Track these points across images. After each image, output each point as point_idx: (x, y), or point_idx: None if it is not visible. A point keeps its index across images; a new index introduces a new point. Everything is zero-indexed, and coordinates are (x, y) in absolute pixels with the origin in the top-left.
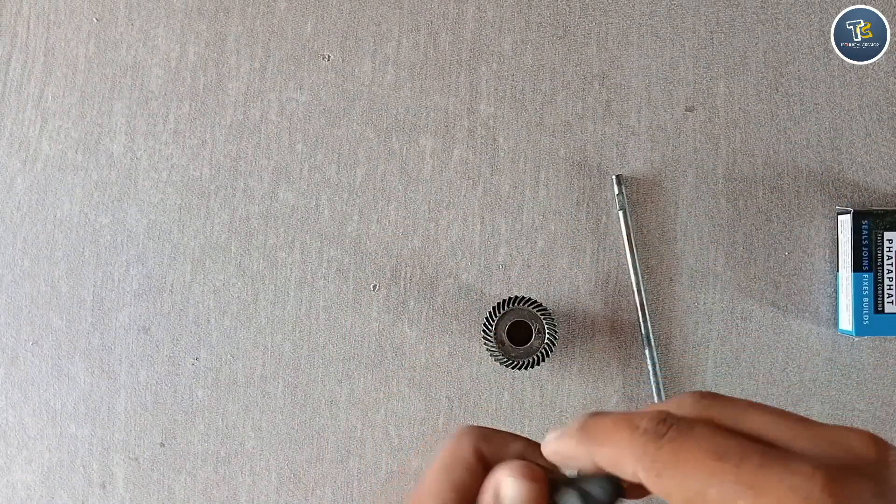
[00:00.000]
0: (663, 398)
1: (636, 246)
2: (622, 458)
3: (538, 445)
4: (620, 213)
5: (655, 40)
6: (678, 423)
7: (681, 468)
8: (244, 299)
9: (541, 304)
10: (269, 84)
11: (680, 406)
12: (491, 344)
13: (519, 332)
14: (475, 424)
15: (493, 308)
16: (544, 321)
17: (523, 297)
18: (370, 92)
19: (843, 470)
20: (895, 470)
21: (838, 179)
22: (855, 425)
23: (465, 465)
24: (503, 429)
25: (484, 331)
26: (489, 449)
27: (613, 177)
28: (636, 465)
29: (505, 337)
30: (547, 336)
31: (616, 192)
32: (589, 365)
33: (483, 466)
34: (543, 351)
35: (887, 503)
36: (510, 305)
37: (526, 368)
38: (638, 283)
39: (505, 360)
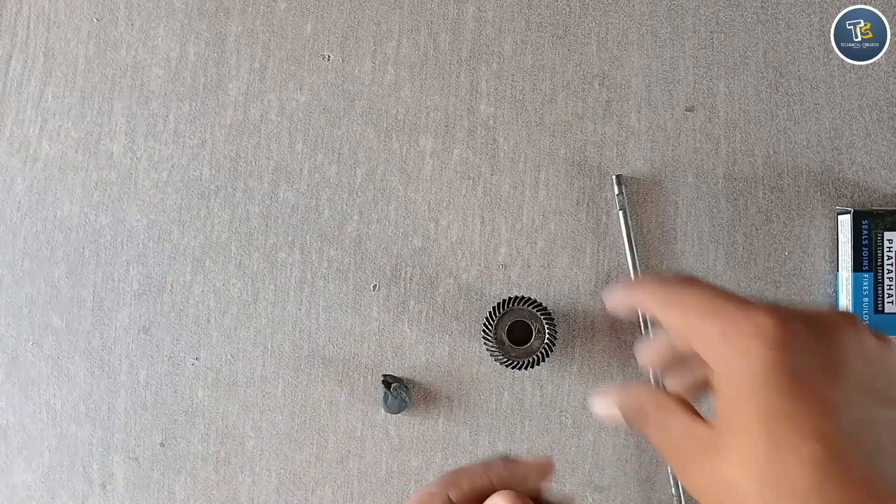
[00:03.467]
0: None
1: (636, 246)
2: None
3: (500, 466)
4: (620, 213)
5: (655, 40)
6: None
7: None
8: (244, 299)
9: (541, 304)
10: (269, 84)
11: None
12: (491, 344)
13: (519, 332)
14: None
15: (493, 308)
16: (544, 321)
17: (523, 297)
18: (370, 92)
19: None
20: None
21: (838, 179)
22: None
23: None
24: (503, 429)
25: (484, 331)
26: (455, 490)
27: (613, 177)
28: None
29: (505, 337)
30: (547, 336)
31: (616, 191)
32: (589, 365)
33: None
34: (543, 351)
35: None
36: (510, 305)
37: (526, 368)
38: None
39: (505, 360)
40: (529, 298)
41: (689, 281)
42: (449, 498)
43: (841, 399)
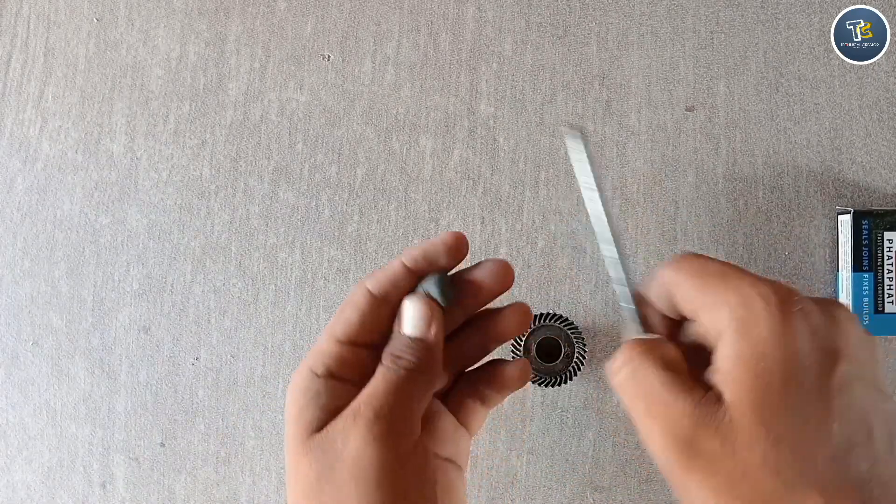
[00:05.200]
0: None
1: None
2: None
3: (410, 251)
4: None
5: (655, 40)
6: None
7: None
8: (244, 299)
9: (572, 322)
10: (269, 84)
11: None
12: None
13: (547, 349)
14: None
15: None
16: (574, 339)
17: (554, 314)
18: (370, 92)
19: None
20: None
21: (838, 179)
22: None
23: (353, 302)
24: (504, 429)
25: (513, 344)
26: (376, 284)
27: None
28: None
29: (535, 353)
30: (576, 356)
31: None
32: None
33: (374, 299)
34: (572, 369)
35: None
36: (542, 321)
37: (550, 386)
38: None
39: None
40: (561, 316)
41: (701, 256)
42: (368, 289)
43: (841, 387)
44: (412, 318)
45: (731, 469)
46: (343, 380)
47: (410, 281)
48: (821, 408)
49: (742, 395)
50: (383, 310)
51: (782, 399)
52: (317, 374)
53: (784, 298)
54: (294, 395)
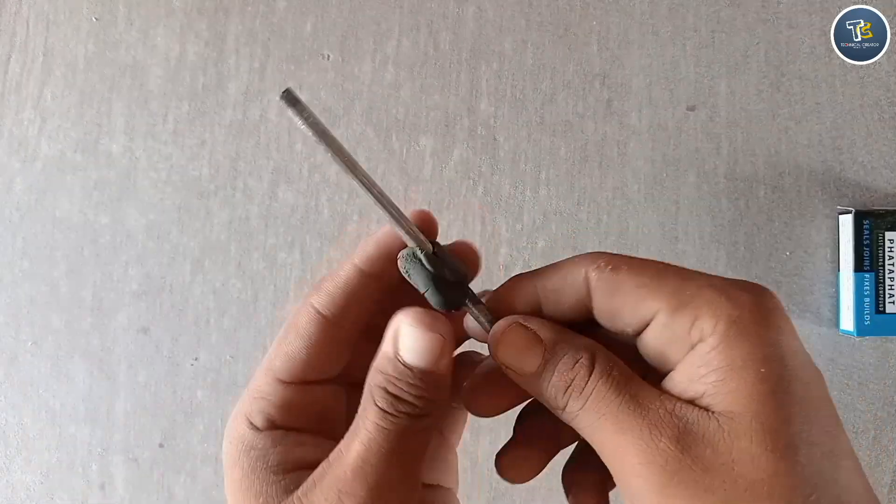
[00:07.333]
0: None
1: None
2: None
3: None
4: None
5: (656, 39)
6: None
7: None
8: (244, 299)
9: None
10: (269, 84)
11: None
12: None
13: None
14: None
15: None
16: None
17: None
18: (370, 92)
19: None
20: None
21: (839, 179)
22: (857, 426)
23: (297, 328)
24: (504, 429)
25: None
26: (327, 302)
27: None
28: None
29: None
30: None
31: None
32: None
33: (326, 322)
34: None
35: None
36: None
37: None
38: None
39: None
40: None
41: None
42: (316, 309)
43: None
44: (415, 345)
45: (729, 484)
46: (293, 429)
47: (371, 289)
48: (827, 408)
49: (740, 404)
50: (340, 333)
51: (791, 403)
52: (256, 427)
53: (761, 297)
54: (232, 453)
